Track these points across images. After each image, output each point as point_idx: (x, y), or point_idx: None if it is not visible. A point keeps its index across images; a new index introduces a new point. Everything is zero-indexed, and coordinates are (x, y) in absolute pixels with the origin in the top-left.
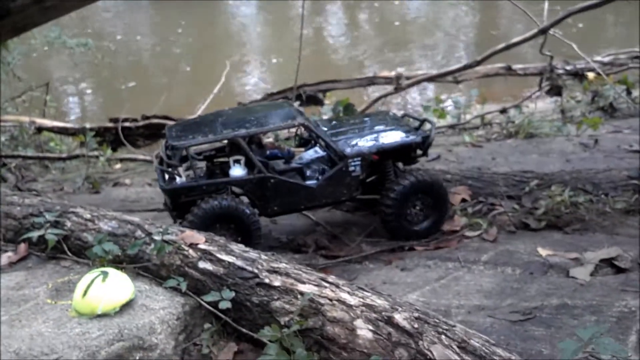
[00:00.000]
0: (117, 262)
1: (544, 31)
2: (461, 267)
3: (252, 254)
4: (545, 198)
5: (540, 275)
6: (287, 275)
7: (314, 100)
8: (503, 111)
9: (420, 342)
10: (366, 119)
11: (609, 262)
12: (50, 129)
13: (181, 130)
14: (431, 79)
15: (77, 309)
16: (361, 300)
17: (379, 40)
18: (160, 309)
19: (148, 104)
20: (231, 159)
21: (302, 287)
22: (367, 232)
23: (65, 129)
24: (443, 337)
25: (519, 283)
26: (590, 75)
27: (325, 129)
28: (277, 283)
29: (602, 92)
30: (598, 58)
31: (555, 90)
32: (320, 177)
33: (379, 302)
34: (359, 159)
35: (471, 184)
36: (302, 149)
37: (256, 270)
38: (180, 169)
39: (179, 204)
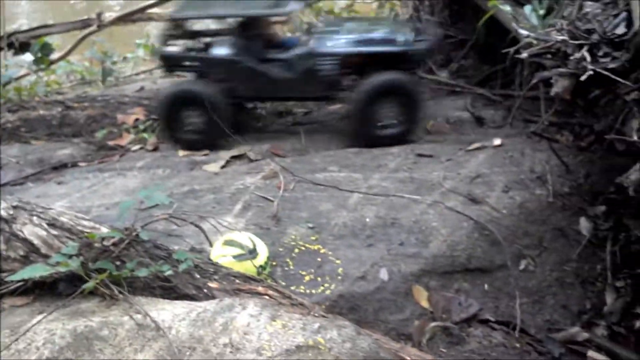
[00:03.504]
0: None
1: None
2: (117, 175)
3: None
4: None
5: (186, 171)
6: None
7: (28, 47)
8: None
9: (14, 225)
10: (376, 23)
11: (243, 157)
12: None
13: (184, 6)
14: (128, 15)
15: None
16: None
17: None
18: None
19: None
20: (219, 39)
21: None
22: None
23: None
24: (35, 218)
25: (163, 180)
26: None
27: (326, 27)
28: None
29: None
30: None
31: None
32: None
33: None
34: (331, 58)
35: (147, 104)
36: None
37: None
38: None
39: (170, 68)
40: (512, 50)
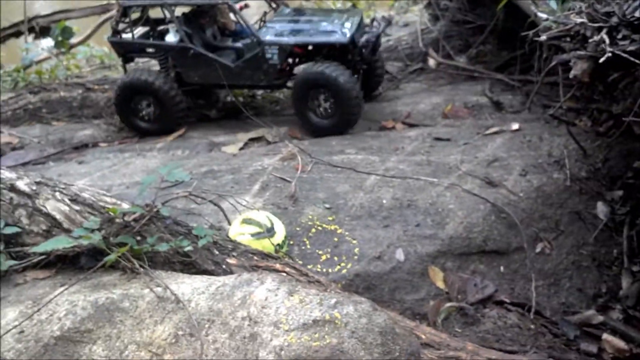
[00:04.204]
0: None
1: None
2: (137, 155)
3: None
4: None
5: (205, 153)
6: None
7: (48, 31)
8: None
9: (37, 201)
10: (332, 14)
11: (261, 139)
12: None
13: None
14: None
15: None
16: None
17: None
18: None
19: None
20: (170, 26)
21: None
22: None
23: None
24: (57, 194)
25: (183, 160)
26: None
27: (280, 16)
28: None
29: None
30: None
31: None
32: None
33: (8, 174)
34: (277, 48)
35: None
36: None
37: None
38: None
39: (124, 55)
40: (531, 33)
